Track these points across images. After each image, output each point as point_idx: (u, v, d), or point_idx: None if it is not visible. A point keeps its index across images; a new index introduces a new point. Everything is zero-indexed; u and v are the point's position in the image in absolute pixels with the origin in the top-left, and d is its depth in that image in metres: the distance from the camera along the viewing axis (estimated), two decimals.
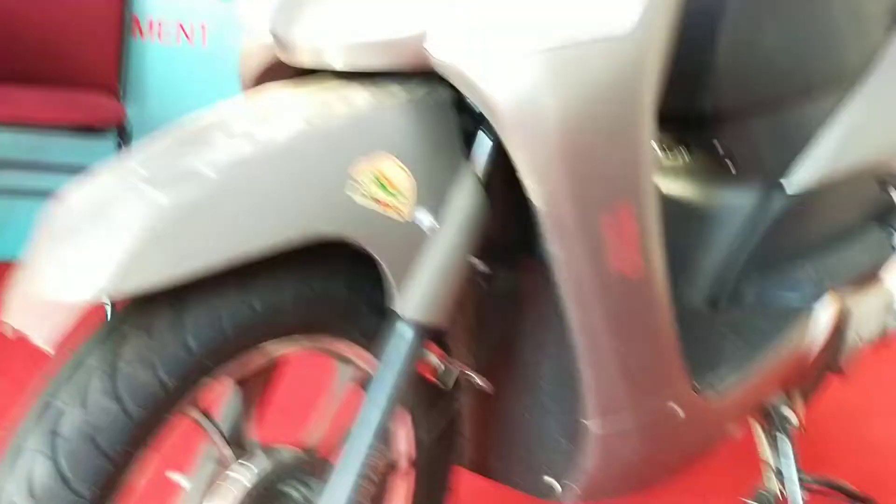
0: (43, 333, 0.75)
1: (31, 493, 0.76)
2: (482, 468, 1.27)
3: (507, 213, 1.08)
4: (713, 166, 1.47)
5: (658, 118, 1.51)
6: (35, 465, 0.77)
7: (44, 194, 2.64)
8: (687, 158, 1.50)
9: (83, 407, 0.78)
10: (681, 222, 1.50)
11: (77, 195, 0.84)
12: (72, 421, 0.78)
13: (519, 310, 1.16)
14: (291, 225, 0.82)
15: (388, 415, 0.95)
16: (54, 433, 0.78)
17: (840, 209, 1.57)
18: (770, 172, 1.46)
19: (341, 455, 0.95)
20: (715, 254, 1.47)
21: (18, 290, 0.80)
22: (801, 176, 1.46)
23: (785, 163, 1.47)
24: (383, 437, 0.96)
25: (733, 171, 1.44)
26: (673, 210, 1.50)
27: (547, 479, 1.22)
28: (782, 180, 1.46)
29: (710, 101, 1.38)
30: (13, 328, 0.80)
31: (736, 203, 1.47)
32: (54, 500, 0.76)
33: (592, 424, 1.11)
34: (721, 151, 1.44)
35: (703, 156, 1.47)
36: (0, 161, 2.79)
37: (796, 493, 1.51)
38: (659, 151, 1.52)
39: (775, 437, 1.53)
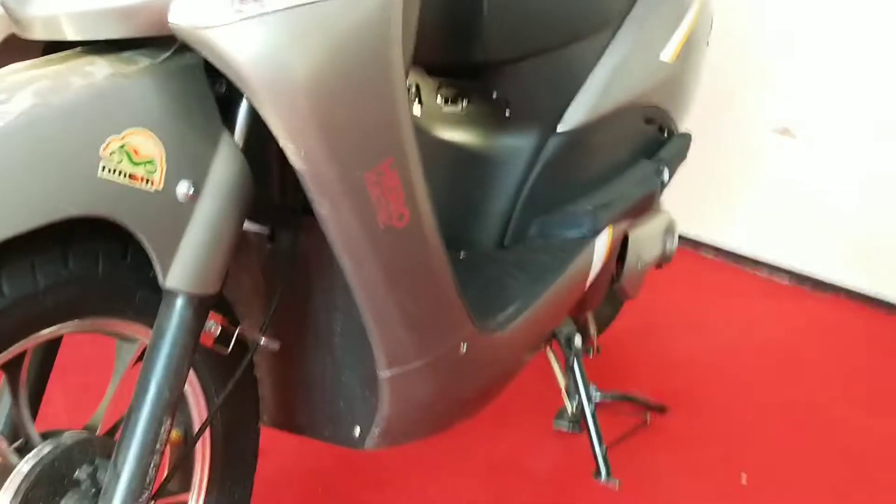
0: None
1: None
2: (289, 426, 1.29)
3: (282, 174, 1.09)
4: (492, 113, 1.53)
5: (435, 70, 1.56)
6: None
7: None
8: (467, 107, 1.55)
9: None
10: (465, 169, 1.56)
11: None
12: None
13: (305, 268, 1.18)
14: (32, 208, 0.80)
15: (168, 388, 0.95)
16: None
17: (612, 147, 1.67)
18: (544, 115, 1.54)
19: (124, 432, 0.95)
20: (499, 196, 1.54)
21: None
22: (572, 115, 1.54)
23: (557, 105, 1.55)
24: (168, 409, 0.96)
25: (508, 116, 1.50)
26: (457, 157, 1.56)
27: (353, 429, 1.25)
28: (556, 122, 1.54)
29: (482, 51, 1.43)
30: None
31: (515, 146, 1.54)
32: None
33: (385, 374, 1.15)
34: (497, 98, 1.50)
35: (482, 104, 1.53)
36: None
37: (591, 412, 1.63)
38: (441, 102, 1.57)
39: (568, 362, 1.64)
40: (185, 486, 1.15)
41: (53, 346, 1.07)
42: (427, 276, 1.13)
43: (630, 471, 1.72)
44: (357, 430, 1.25)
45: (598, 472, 1.61)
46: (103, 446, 1.01)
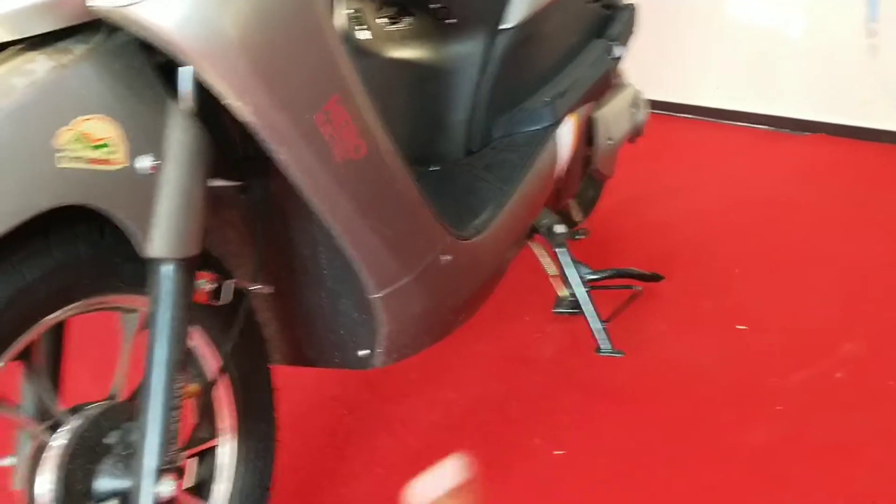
0: None
1: None
2: (300, 360, 1.37)
3: (240, 128, 1.13)
4: (434, 24, 1.55)
5: None
6: None
7: None
8: (411, 22, 1.57)
9: None
10: (421, 84, 1.59)
11: None
12: None
13: (282, 212, 1.23)
14: (2, 211, 0.84)
15: (173, 349, 1.02)
16: None
17: (560, 35, 1.69)
18: (485, 16, 1.56)
19: (142, 395, 1.02)
20: (458, 105, 1.58)
21: None
22: (514, 11, 1.56)
23: (497, 3, 1.57)
24: (177, 367, 1.03)
25: (451, 23, 1.52)
26: (411, 74, 1.59)
27: (358, 352, 1.33)
28: (499, 20, 1.56)
29: None
30: None
31: (464, 52, 1.56)
32: None
33: (376, 296, 1.22)
34: (436, 8, 1.52)
35: (423, 16, 1.55)
36: None
37: (583, 293, 1.70)
38: (385, 21, 1.59)
39: (554, 251, 1.71)
40: (214, 433, 1.23)
41: (60, 327, 1.13)
42: (395, 199, 1.18)
43: (632, 340, 1.80)
44: (362, 353, 1.33)
45: (598, 348, 1.69)
46: (128, 411, 1.09)
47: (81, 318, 1.06)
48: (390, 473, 1.57)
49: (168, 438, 1.02)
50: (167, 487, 1.02)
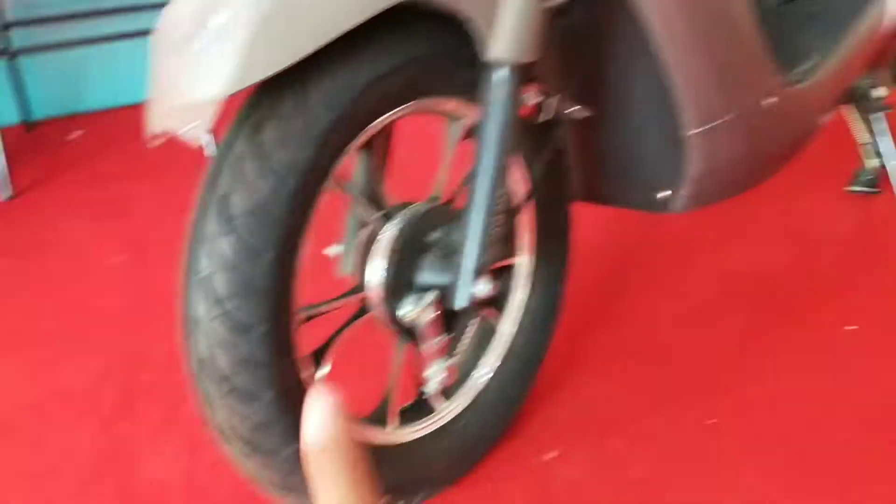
0: (189, 132, 0.85)
1: (221, 264, 0.90)
2: (596, 197, 1.36)
3: None
4: None
5: None
6: (218, 242, 0.90)
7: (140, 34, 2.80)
8: None
9: (245, 187, 0.90)
10: None
11: (178, 8, 0.91)
12: (238, 200, 0.90)
13: (603, 37, 1.21)
14: (365, 1, 0.88)
15: (502, 154, 1.04)
16: (227, 213, 0.90)
17: None
18: None
19: (469, 198, 1.06)
20: None
21: (157, 103, 0.91)
22: None
23: None
24: (501, 173, 1.06)
25: None
26: None
27: (659, 193, 1.31)
28: None
29: None
30: (160, 134, 0.92)
31: None
32: (239, 265, 0.90)
33: (692, 132, 1.18)
34: None
35: None
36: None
37: (895, 166, 1.57)
38: None
39: (868, 118, 1.57)
40: (515, 251, 1.27)
41: (391, 127, 1.19)
42: (731, 25, 1.12)
43: None
44: (664, 194, 1.30)
45: None
46: (447, 213, 1.14)
47: (405, 122, 1.12)
48: (667, 326, 1.56)
49: (487, 242, 1.06)
50: (482, 287, 1.07)
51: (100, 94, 3.24)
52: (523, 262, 1.28)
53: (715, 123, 1.19)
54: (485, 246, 1.06)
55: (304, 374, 0.99)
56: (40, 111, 3.18)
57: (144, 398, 1.51)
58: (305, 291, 0.99)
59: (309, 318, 1.01)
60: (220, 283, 0.90)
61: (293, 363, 0.97)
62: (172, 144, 2.71)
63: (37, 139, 3.03)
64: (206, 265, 0.91)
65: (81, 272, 2.01)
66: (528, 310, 1.30)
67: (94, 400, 1.52)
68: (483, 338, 1.28)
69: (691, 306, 1.61)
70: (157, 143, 0.91)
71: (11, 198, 2.50)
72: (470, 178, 1.06)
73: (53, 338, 1.74)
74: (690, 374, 1.42)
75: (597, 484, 1.21)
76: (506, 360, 1.28)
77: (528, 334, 1.30)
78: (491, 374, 1.27)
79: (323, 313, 1.05)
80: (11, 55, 2.92)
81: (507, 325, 1.29)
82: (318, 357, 1.05)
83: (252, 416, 0.94)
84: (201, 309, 0.91)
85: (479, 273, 1.06)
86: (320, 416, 0.36)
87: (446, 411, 1.21)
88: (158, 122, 0.90)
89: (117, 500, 1.28)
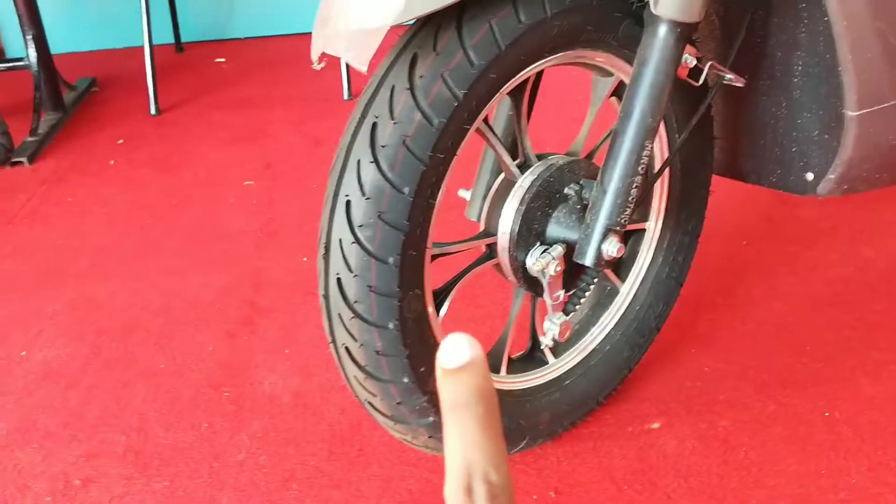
0: (357, 57, 0.87)
1: (363, 192, 0.92)
2: (735, 172, 1.32)
3: None
4: None
5: None
6: (363, 170, 0.92)
7: None
8: None
9: (393, 119, 0.92)
10: None
11: None
12: (386, 131, 0.92)
13: (767, 5, 1.16)
14: None
15: (652, 113, 1.02)
16: (374, 142, 0.92)
17: None
18: None
19: (609, 154, 1.05)
20: None
21: (325, 27, 0.93)
22: None
23: None
24: (649, 133, 1.04)
25: None
26: None
27: (805, 174, 1.26)
28: None
29: None
30: (324, 59, 0.94)
31: None
32: (380, 196, 0.92)
33: (853, 113, 1.12)
34: None
35: None
36: None
37: None
38: None
39: None
40: (645, 216, 1.25)
41: (539, 76, 1.18)
42: None
43: None
44: (809, 176, 1.25)
45: None
46: (586, 168, 1.13)
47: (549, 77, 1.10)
48: (792, 309, 1.51)
49: (624, 201, 1.05)
50: (612, 247, 1.05)
51: (247, 22, 3.33)
52: (652, 229, 1.26)
53: (879, 107, 1.13)
54: (620, 206, 1.05)
55: (427, 311, 1.01)
56: (190, 34, 3.30)
57: (264, 317, 1.57)
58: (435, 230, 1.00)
59: (435, 257, 1.02)
60: (359, 211, 0.93)
61: (419, 298, 0.98)
62: (309, 79, 2.77)
63: (185, 60, 3.15)
64: (348, 190, 0.93)
65: (215, 191, 2.10)
66: (651, 277, 1.28)
67: (217, 312, 1.59)
68: (601, 299, 1.27)
69: (821, 293, 1.55)
70: (321, 65, 0.93)
71: (158, 114, 2.62)
72: (614, 136, 1.05)
73: (184, 250, 1.83)
74: (810, 362, 1.37)
75: (697, 460, 1.19)
76: (621, 324, 1.27)
77: (647, 302, 1.28)
78: (604, 337, 1.26)
79: (451, 253, 1.06)
80: None
81: (628, 290, 1.27)
82: (439, 296, 1.07)
83: (373, 344, 0.97)
84: (340, 232, 0.94)
85: (610, 233, 1.05)
86: (463, 345, 0.37)
87: (557, 366, 1.21)
88: (325, 45, 0.92)
89: (232, 406, 1.34)
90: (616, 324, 1.26)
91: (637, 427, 1.26)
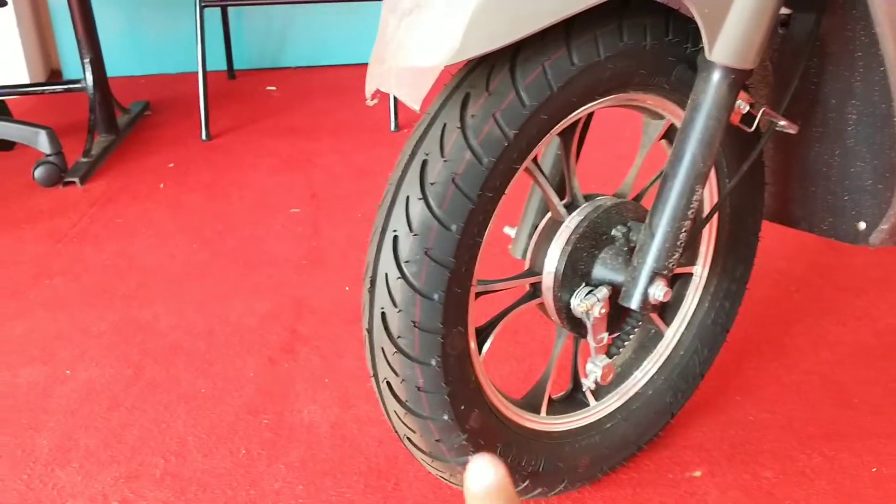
0: (410, 94, 0.88)
1: (410, 227, 0.93)
2: (785, 218, 1.31)
3: None
4: None
5: None
6: (411, 206, 0.93)
7: None
8: None
9: (444, 156, 0.92)
10: None
11: None
12: (436, 168, 0.92)
13: (826, 53, 1.15)
14: None
15: (702, 158, 1.01)
16: (423, 179, 0.93)
17: None
18: None
19: (659, 197, 1.04)
20: None
21: (380, 63, 0.94)
22: None
23: None
24: (700, 178, 1.03)
25: None
26: None
27: (856, 223, 1.24)
28: None
29: None
30: (377, 95, 0.95)
31: None
32: (428, 232, 0.92)
33: None
34: None
35: None
36: None
37: None
38: None
39: None
40: (693, 260, 1.24)
41: (587, 120, 1.18)
42: None
43: None
44: (861, 225, 1.23)
45: None
46: (634, 210, 1.13)
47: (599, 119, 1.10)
48: (840, 359, 1.48)
49: (672, 245, 1.04)
50: (658, 291, 1.04)
51: (298, 52, 3.39)
52: (699, 274, 1.25)
53: None
54: (668, 250, 1.04)
55: (470, 348, 1.00)
56: (242, 62, 3.37)
57: (305, 344, 1.58)
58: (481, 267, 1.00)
59: (479, 294, 1.02)
60: (406, 247, 0.93)
61: (462, 335, 0.98)
62: (357, 110, 2.81)
63: (236, 87, 3.21)
64: (396, 225, 0.94)
65: (261, 217, 2.12)
66: (696, 323, 1.26)
67: (259, 338, 1.60)
68: (645, 342, 1.26)
69: (870, 344, 1.52)
70: (374, 101, 0.94)
71: (208, 139, 2.66)
72: (664, 179, 1.04)
73: (229, 275, 1.85)
74: (857, 415, 1.34)
75: None
76: (664, 369, 1.25)
77: (691, 347, 1.26)
78: (647, 381, 1.24)
79: (495, 291, 1.06)
80: (223, 5, 3.10)
81: (672, 335, 1.26)
82: (481, 333, 1.06)
83: (414, 379, 0.97)
84: (386, 267, 0.94)
85: (657, 277, 1.04)
86: (486, 468, 0.37)
87: (598, 409, 1.20)
88: (379, 82, 0.93)
89: (269, 434, 1.34)
90: (659, 368, 1.25)
91: (678, 474, 1.24)
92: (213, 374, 1.51)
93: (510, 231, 1.22)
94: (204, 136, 2.66)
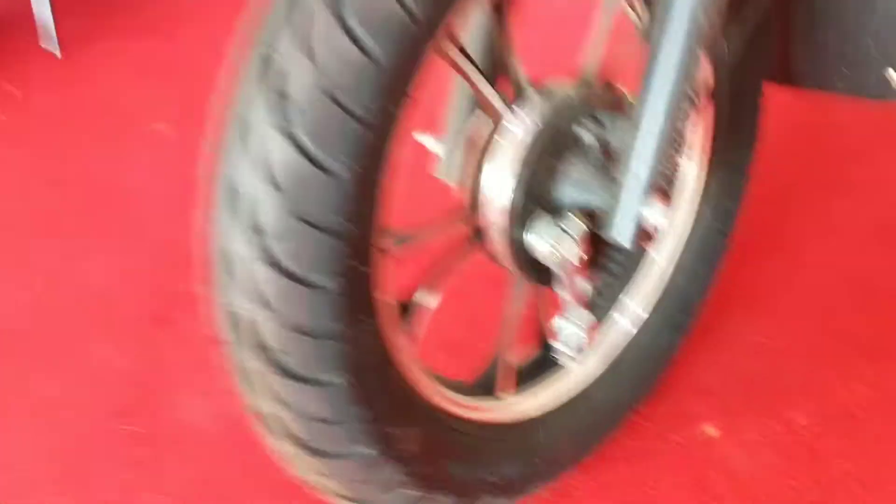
0: None
1: (273, 180, 0.56)
2: (800, 77, 0.98)
3: None
4: None
5: None
6: (269, 144, 0.56)
7: None
8: None
9: (312, 59, 0.55)
10: None
11: None
12: (302, 79, 0.55)
13: None
14: None
15: (704, 12, 0.67)
16: (283, 97, 0.55)
17: None
18: None
19: (647, 75, 0.70)
20: None
21: None
22: None
23: None
24: (703, 40, 0.69)
25: None
26: None
27: (882, 71, 0.92)
28: None
29: None
30: None
31: None
32: (303, 184, 0.56)
33: None
34: None
35: None
36: None
37: None
38: None
39: None
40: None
41: None
42: None
43: None
44: (889, 73, 0.92)
45: None
46: (608, 97, 0.78)
47: None
48: (854, 245, 1.19)
49: (670, 141, 0.70)
50: (656, 213, 0.71)
51: None
52: (694, 172, 0.92)
53: None
54: (665, 149, 0.71)
55: (388, 344, 0.66)
56: None
57: (185, 314, 1.21)
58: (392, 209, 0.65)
59: (393, 257, 0.67)
60: (267, 213, 0.57)
61: (373, 329, 0.64)
62: None
63: None
64: (244, 181, 0.57)
65: (122, 145, 1.70)
66: (696, 237, 0.94)
67: (125, 308, 1.23)
68: (632, 274, 0.93)
69: (886, 219, 1.23)
70: None
71: (57, 47, 2.19)
72: (652, 45, 0.70)
73: (81, 226, 1.45)
74: None
75: (778, 479, 0.88)
76: (660, 304, 0.93)
77: (691, 269, 0.95)
78: (637, 325, 0.93)
79: (418, 246, 0.71)
80: None
81: (662, 261, 0.94)
82: (407, 309, 0.72)
83: (310, 408, 0.62)
84: (240, 248, 0.58)
85: (652, 191, 0.71)
86: None
87: (579, 376, 0.88)
88: None
89: (145, 448, 1.00)
90: (652, 306, 0.93)
91: (686, 435, 0.95)
92: (62, 366, 1.14)
93: (430, 143, 0.86)
94: (53, 47, 2.18)
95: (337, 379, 0.61)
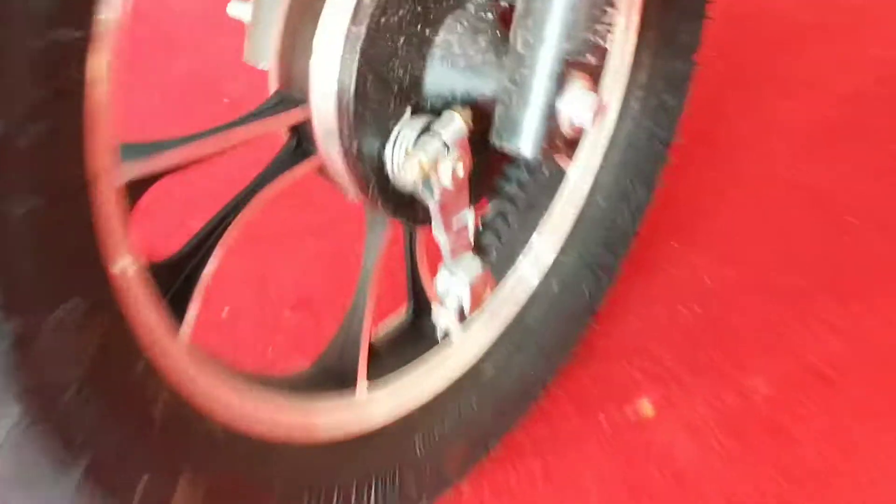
0: None
1: None
2: None
3: None
4: None
5: None
6: None
7: None
8: None
9: None
10: None
11: None
12: None
13: None
14: None
15: None
16: None
17: None
18: None
19: None
20: None
21: None
22: None
23: None
24: None
25: None
26: None
27: None
28: None
29: None
30: None
31: None
32: None
33: None
34: None
35: None
36: None
37: None
38: None
39: None
40: None
41: None
42: None
43: None
44: None
45: None
46: None
47: None
48: (801, 147, 0.96)
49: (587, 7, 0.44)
50: (581, 105, 0.45)
51: None
52: (621, 46, 0.65)
53: None
54: (582, 17, 0.43)
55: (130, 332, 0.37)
56: None
57: None
58: None
59: (136, 188, 0.39)
60: None
61: (94, 309, 0.35)
62: None
63: None
64: None
65: None
66: (624, 141, 0.68)
67: None
68: (537, 204, 0.67)
69: (831, 118, 1.01)
70: None
71: None
72: None
73: None
74: (861, 243, 0.84)
75: (731, 473, 0.65)
76: (571, 241, 0.67)
77: (618, 189, 0.69)
78: (548, 269, 0.66)
79: (177, 170, 0.42)
80: None
81: (581, 174, 0.67)
82: (172, 273, 0.44)
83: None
84: None
85: (572, 70, 0.44)
86: None
87: (466, 348, 0.62)
88: None
89: None
90: (562, 245, 0.67)
91: (615, 415, 0.70)
92: None
93: (239, 8, 0.56)
94: None
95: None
